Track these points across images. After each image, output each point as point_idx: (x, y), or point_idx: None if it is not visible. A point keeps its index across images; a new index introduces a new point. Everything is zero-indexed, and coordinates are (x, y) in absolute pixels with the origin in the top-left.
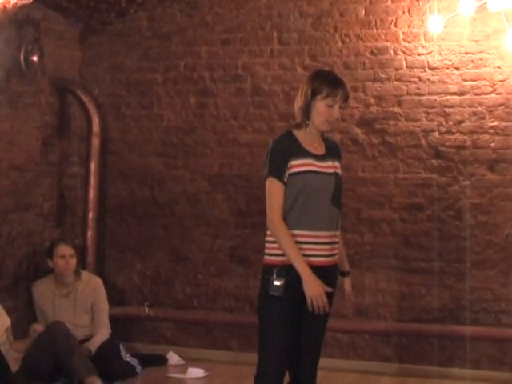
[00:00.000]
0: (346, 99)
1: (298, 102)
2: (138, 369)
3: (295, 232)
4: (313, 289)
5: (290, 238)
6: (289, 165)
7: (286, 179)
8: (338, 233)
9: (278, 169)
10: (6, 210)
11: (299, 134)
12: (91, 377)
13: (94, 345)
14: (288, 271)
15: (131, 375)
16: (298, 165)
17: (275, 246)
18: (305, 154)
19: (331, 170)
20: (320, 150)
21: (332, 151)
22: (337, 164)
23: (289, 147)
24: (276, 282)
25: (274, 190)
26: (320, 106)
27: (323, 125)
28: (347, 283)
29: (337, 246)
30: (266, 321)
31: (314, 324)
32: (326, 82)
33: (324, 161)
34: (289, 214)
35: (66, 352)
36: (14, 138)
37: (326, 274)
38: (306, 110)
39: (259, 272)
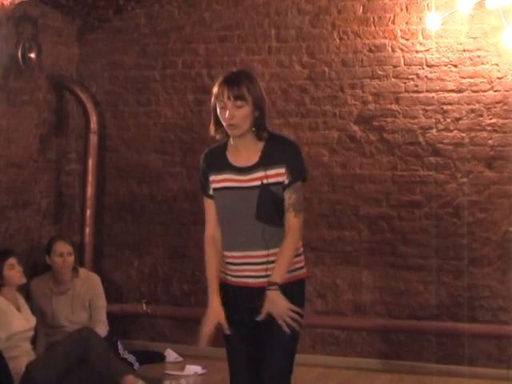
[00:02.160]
0: (237, 97)
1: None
2: (136, 366)
3: (224, 253)
4: (207, 317)
5: (210, 263)
6: (210, 179)
7: (213, 193)
8: (275, 250)
9: (202, 185)
10: (4, 206)
11: (230, 145)
12: (129, 375)
13: None
14: (223, 288)
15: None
16: (215, 180)
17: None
18: (224, 167)
19: (256, 183)
20: (248, 160)
21: (270, 158)
22: (273, 172)
23: (210, 161)
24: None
25: (206, 208)
26: (218, 109)
27: (228, 129)
28: (266, 302)
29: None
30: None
31: (266, 343)
32: (218, 82)
33: (248, 173)
34: (221, 233)
35: (103, 356)
36: (11, 135)
37: (261, 295)
38: (216, 119)
39: None
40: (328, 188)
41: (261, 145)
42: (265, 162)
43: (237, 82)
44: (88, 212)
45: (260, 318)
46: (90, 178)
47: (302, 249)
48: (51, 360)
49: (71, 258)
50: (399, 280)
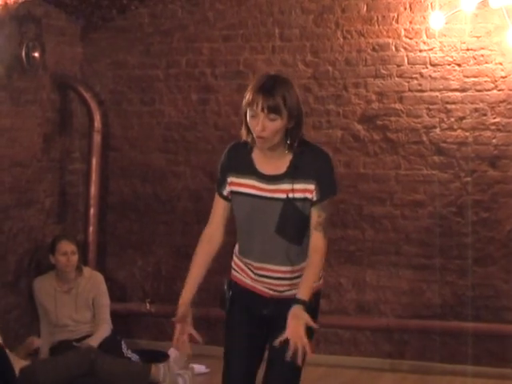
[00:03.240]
0: (271, 110)
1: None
2: None
3: (240, 256)
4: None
5: (195, 261)
6: (228, 180)
7: (229, 195)
8: (294, 267)
9: (218, 182)
10: (8, 206)
11: (256, 147)
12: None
13: (95, 341)
14: (234, 287)
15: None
16: (236, 183)
17: (234, 259)
18: (248, 172)
19: (281, 195)
20: (276, 169)
21: (299, 171)
22: (301, 186)
23: (233, 160)
24: (227, 296)
25: (214, 205)
26: (248, 116)
27: (256, 140)
28: (290, 315)
29: (293, 281)
30: (224, 335)
31: (272, 353)
32: (252, 87)
33: (274, 183)
34: (237, 236)
35: (116, 372)
36: (15, 135)
37: (272, 304)
38: (245, 120)
39: None
40: None
41: (290, 154)
42: (293, 174)
43: (273, 92)
44: (92, 211)
45: (278, 341)
46: (94, 177)
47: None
48: (53, 373)
49: (75, 257)
50: (403, 279)
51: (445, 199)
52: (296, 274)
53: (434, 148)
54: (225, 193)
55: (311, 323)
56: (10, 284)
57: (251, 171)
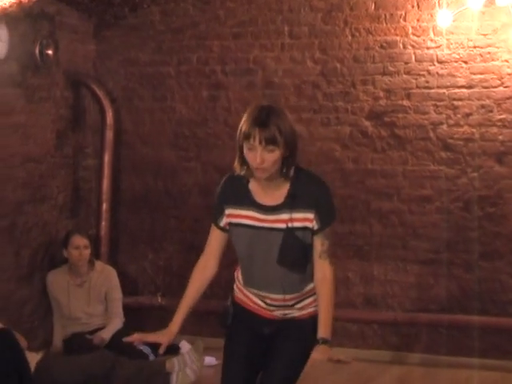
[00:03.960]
0: (269, 142)
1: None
2: (151, 357)
3: (241, 281)
4: (160, 333)
5: (188, 289)
6: (226, 212)
7: (225, 226)
8: (294, 295)
9: (214, 214)
10: (22, 201)
11: (252, 178)
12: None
13: (107, 334)
14: (236, 307)
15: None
16: (234, 215)
17: (236, 283)
18: (246, 203)
19: (280, 225)
20: (274, 199)
21: (297, 200)
22: (299, 215)
23: (230, 192)
24: (228, 313)
25: (210, 236)
26: (244, 149)
27: (255, 173)
28: (315, 351)
29: (296, 306)
30: (224, 349)
31: (269, 369)
32: (246, 120)
33: (273, 213)
34: (239, 265)
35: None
36: (29, 131)
37: (272, 324)
38: (241, 156)
39: None
40: (340, 183)
41: (287, 183)
42: (291, 204)
43: (268, 123)
44: (104, 206)
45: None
46: (106, 172)
47: None
48: (68, 372)
49: (87, 251)
50: (410, 273)
51: (452, 194)
52: (288, 303)
53: (440, 144)
54: (221, 224)
55: (337, 357)
56: (24, 277)
57: (250, 202)
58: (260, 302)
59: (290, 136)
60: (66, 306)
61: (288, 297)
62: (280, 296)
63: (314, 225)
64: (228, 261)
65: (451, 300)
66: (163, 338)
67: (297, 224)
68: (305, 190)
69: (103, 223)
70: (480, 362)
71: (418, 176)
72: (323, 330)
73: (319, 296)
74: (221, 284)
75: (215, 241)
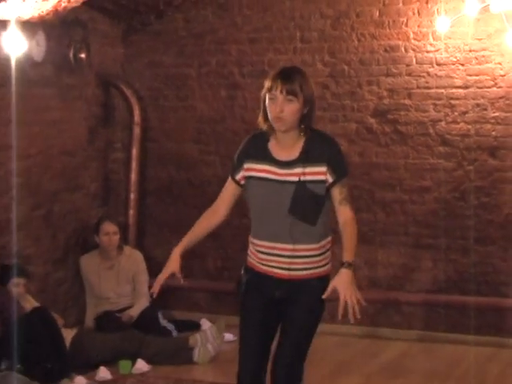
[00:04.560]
0: (289, 92)
1: (261, 108)
2: (175, 333)
3: (254, 241)
4: (165, 266)
5: (195, 226)
6: (245, 166)
7: (240, 180)
8: (303, 246)
9: (233, 167)
10: (58, 190)
11: (273, 137)
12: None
13: (135, 312)
14: (249, 272)
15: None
16: (253, 169)
17: (250, 247)
18: (265, 158)
19: (293, 178)
20: (289, 155)
21: (311, 155)
22: (311, 169)
23: (251, 148)
24: (243, 280)
25: (225, 186)
26: (267, 101)
27: (274, 123)
28: (337, 278)
29: (304, 260)
30: (239, 317)
31: (283, 332)
32: (271, 75)
33: (288, 167)
34: (252, 222)
35: (161, 347)
36: (64, 127)
37: (283, 286)
38: (265, 111)
39: None
40: None
41: (302, 141)
42: (304, 159)
43: (291, 77)
44: (132, 196)
45: (326, 294)
46: (134, 165)
47: (329, 246)
48: (100, 348)
49: (117, 237)
50: (411, 257)
51: (449, 185)
52: (296, 253)
53: (439, 139)
54: (237, 177)
55: (355, 289)
56: (59, 260)
57: (267, 158)
58: (270, 258)
59: (309, 94)
60: (97, 286)
61: (297, 247)
62: (289, 246)
63: (327, 178)
64: (243, 245)
65: (448, 281)
66: (172, 266)
67: (309, 177)
68: (318, 146)
69: (131, 211)
70: (474, 339)
71: (419, 168)
72: (347, 254)
73: (344, 233)
74: (239, 268)
75: (228, 192)
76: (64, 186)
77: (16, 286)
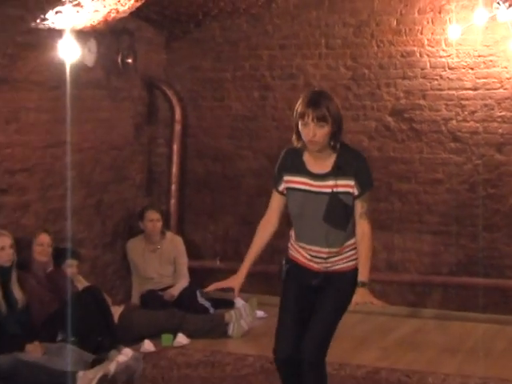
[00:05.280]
0: (320, 119)
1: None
2: (211, 310)
3: (293, 238)
4: (230, 278)
5: (254, 241)
6: (285, 178)
7: (284, 191)
8: (337, 249)
9: (275, 180)
10: (107, 181)
11: (308, 152)
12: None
13: (176, 291)
14: (290, 262)
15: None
16: (291, 181)
17: (290, 242)
18: (301, 171)
19: (327, 190)
20: (322, 168)
21: (342, 170)
22: (343, 182)
23: (288, 162)
24: (284, 269)
25: (272, 198)
26: (299, 125)
27: (308, 145)
28: (356, 294)
29: (337, 258)
30: (280, 301)
31: (315, 312)
32: (302, 102)
33: (321, 180)
34: (292, 224)
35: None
36: (113, 124)
37: (320, 276)
38: (298, 132)
39: None
40: None
41: (334, 156)
42: (336, 173)
43: (319, 104)
44: (173, 186)
45: (352, 307)
46: (175, 158)
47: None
48: (145, 324)
49: (159, 224)
50: (424, 243)
51: (459, 178)
52: (331, 255)
53: (450, 136)
54: (280, 189)
55: (375, 301)
56: (108, 244)
57: (303, 171)
58: (308, 256)
59: (336, 115)
60: (142, 267)
61: (332, 250)
62: (325, 249)
63: (354, 190)
64: (281, 233)
65: (459, 265)
66: (234, 282)
67: (340, 189)
68: (347, 161)
69: (172, 200)
70: (482, 316)
71: (432, 163)
72: (363, 275)
73: (359, 248)
74: (268, 251)
75: (276, 203)
76: (113, 178)
77: (70, 266)
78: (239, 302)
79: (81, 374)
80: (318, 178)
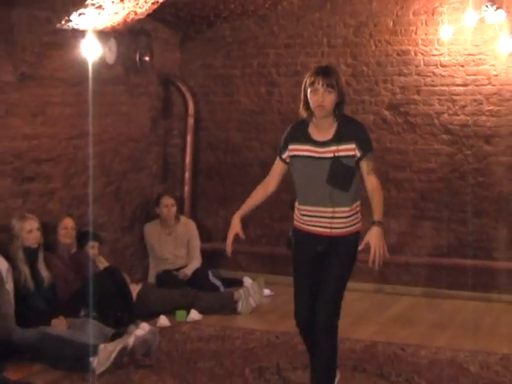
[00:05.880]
0: (329, 85)
1: (301, 100)
2: (222, 289)
3: (299, 206)
4: (229, 231)
5: (252, 195)
6: (290, 147)
7: (287, 159)
8: (341, 209)
9: (280, 149)
10: (125, 170)
11: (312, 123)
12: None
13: (189, 271)
14: (296, 233)
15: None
16: (296, 149)
17: (295, 212)
18: (306, 140)
19: (329, 155)
20: (325, 137)
21: (344, 135)
22: (343, 147)
23: (293, 133)
24: (291, 240)
25: (274, 165)
26: (308, 94)
27: (316, 111)
28: (369, 234)
29: (341, 220)
30: (292, 269)
31: (324, 277)
32: (312, 73)
33: (325, 146)
34: (297, 191)
35: (212, 297)
36: (131, 118)
37: (324, 242)
38: (305, 102)
39: None
40: None
41: (335, 125)
42: (337, 139)
43: (329, 73)
44: (187, 175)
45: (361, 247)
46: (188, 149)
47: (359, 208)
48: (161, 301)
49: (174, 209)
50: (418, 227)
51: (451, 167)
52: (336, 215)
53: (442, 129)
54: (284, 156)
55: (384, 248)
56: (126, 228)
57: (308, 139)
58: (313, 221)
59: (342, 87)
60: (158, 249)
61: (336, 209)
62: (330, 209)
63: (356, 153)
64: (285, 216)
65: (449, 247)
66: (234, 230)
67: (342, 153)
68: (348, 128)
69: (186, 188)
70: (472, 295)
71: (425, 153)
72: (377, 215)
73: (372, 198)
74: (273, 235)
75: (277, 168)
76: (131, 167)
77: (91, 248)
78: (247, 281)
79: (102, 346)
80: (321, 145)
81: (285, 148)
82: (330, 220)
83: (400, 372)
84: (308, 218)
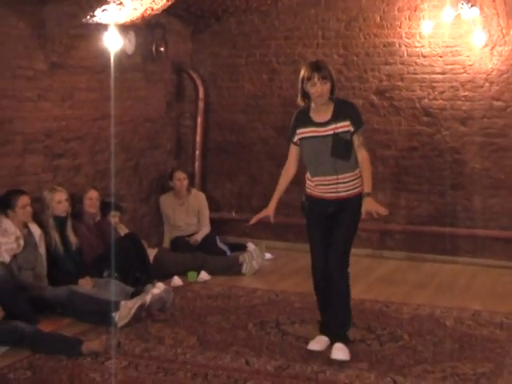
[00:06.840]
0: (324, 78)
1: (299, 91)
2: (228, 253)
3: (311, 178)
4: (264, 210)
5: (280, 181)
6: (297, 131)
7: (297, 142)
8: (343, 175)
9: (289, 135)
10: (143, 148)
11: (312, 108)
12: (238, 257)
13: (199, 237)
14: (309, 198)
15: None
16: (303, 132)
17: (307, 182)
18: (309, 123)
19: (330, 132)
20: (325, 117)
21: (340, 114)
22: (341, 124)
23: (298, 120)
24: (304, 205)
25: (290, 151)
26: (308, 87)
27: (316, 100)
28: (364, 203)
29: (345, 184)
30: (306, 229)
31: (334, 233)
32: (307, 70)
33: (325, 126)
34: (307, 167)
35: (218, 261)
36: (148, 102)
37: (333, 204)
38: (303, 93)
39: None
40: None
41: (332, 107)
42: (335, 118)
43: (322, 68)
44: (197, 152)
45: (363, 215)
46: (199, 130)
47: (359, 174)
48: (174, 263)
49: (186, 182)
50: (402, 199)
51: (430, 146)
52: (340, 181)
53: (423, 112)
54: (295, 140)
55: (380, 209)
56: (144, 199)
57: (311, 122)
58: (323, 189)
59: (332, 76)
60: (172, 218)
61: (340, 176)
62: (334, 176)
63: (350, 128)
64: (288, 190)
65: (429, 216)
66: (268, 211)
67: (340, 130)
68: (342, 108)
69: (196, 163)
70: (448, 259)
71: (408, 133)
72: (367, 187)
73: (362, 169)
74: (284, 205)
75: (293, 152)
76: (148, 145)
77: (113, 217)
78: (251, 246)
79: (123, 303)
80: (322, 125)
81: (293, 133)
82: (335, 186)
83: (385, 326)
84: (318, 187)
